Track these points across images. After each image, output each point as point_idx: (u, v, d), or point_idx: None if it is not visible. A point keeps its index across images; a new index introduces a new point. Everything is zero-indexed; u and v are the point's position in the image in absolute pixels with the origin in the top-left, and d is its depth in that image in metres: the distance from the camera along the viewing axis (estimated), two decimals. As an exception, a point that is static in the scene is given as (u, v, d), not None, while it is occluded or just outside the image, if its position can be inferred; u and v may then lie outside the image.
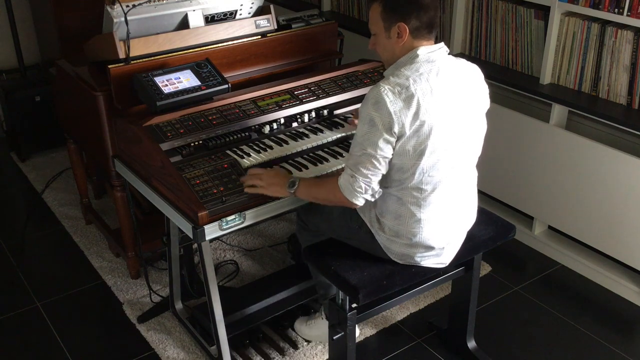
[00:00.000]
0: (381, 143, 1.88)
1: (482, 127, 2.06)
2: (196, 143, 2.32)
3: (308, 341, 2.63)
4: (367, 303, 2.09)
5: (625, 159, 2.76)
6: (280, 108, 2.55)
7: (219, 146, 2.34)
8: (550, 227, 3.27)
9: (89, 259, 3.18)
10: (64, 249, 3.28)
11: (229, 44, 2.72)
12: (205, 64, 2.53)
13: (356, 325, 2.26)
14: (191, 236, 2.08)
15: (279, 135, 2.47)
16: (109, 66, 2.45)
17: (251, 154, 2.33)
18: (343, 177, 1.97)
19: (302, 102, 2.60)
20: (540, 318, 2.83)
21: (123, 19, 2.44)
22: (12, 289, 3.00)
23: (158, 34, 2.60)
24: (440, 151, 1.93)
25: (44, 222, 3.50)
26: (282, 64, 2.89)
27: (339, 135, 2.50)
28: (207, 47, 2.67)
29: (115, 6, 2.44)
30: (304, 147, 2.41)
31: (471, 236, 2.22)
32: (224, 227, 2.07)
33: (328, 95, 2.67)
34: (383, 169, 1.93)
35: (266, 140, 2.43)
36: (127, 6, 2.45)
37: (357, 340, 2.56)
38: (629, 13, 2.64)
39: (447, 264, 2.16)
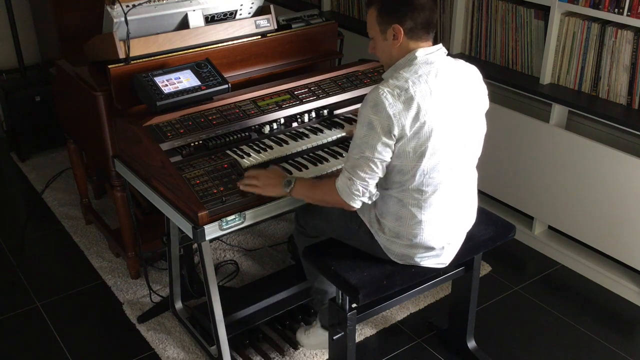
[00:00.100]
0: (379, 146, 1.88)
1: (481, 127, 2.06)
2: (196, 143, 2.32)
3: (296, 348, 2.60)
4: (367, 303, 2.09)
5: (625, 159, 2.76)
6: (280, 108, 2.55)
7: (219, 146, 2.34)
8: (550, 227, 3.27)
9: (89, 259, 3.18)
10: (64, 249, 3.28)
11: (229, 44, 2.72)
12: (205, 64, 2.53)
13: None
14: (191, 236, 2.08)
15: (279, 135, 2.47)
16: (109, 66, 2.45)
17: (251, 154, 2.33)
18: (340, 180, 1.97)
19: (302, 102, 2.60)
20: (540, 318, 2.83)
21: (123, 19, 2.44)
22: (12, 289, 3.00)
23: (158, 34, 2.60)
24: (440, 153, 1.93)
25: (44, 222, 3.50)
26: (282, 64, 2.88)
27: (339, 135, 2.50)
28: (207, 47, 2.67)
29: (115, 6, 2.44)
30: (304, 147, 2.41)
31: (471, 236, 2.22)
32: (224, 227, 2.07)
33: (328, 95, 2.67)
34: (381, 172, 1.93)
35: (266, 140, 2.43)
36: (127, 6, 2.45)
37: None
38: (629, 13, 2.64)
39: (447, 264, 2.16)
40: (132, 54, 2.51)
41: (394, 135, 1.87)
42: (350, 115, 2.63)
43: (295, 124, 2.54)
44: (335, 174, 2.26)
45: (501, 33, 3.21)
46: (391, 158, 1.91)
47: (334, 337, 2.18)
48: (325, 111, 2.61)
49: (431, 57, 1.94)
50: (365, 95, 1.96)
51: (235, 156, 2.29)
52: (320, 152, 2.42)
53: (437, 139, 1.90)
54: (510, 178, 3.27)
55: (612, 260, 3.01)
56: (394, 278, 2.09)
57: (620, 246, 2.89)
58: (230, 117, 2.45)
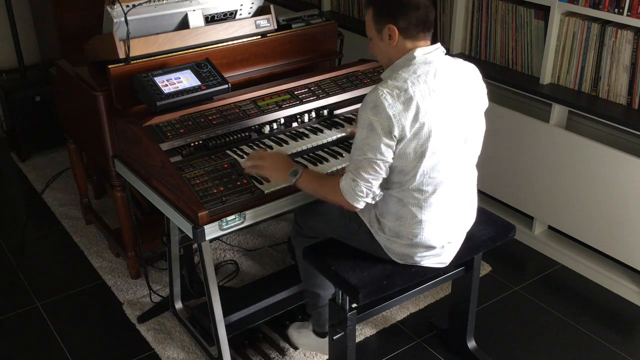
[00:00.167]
0: (381, 147, 1.88)
1: (481, 126, 2.06)
2: (196, 143, 2.32)
3: (296, 348, 2.60)
4: (367, 303, 2.09)
5: (625, 159, 2.76)
6: (280, 108, 2.55)
7: (219, 146, 2.34)
8: (550, 227, 3.27)
9: (89, 259, 3.18)
10: (64, 249, 3.28)
11: (229, 44, 2.72)
12: (205, 64, 2.53)
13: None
14: (191, 236, 2.08)
15: (279, 135, 2.47)
16: (109, 66, 2.45)
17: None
18: (344, 181, 1.97)
19: (302, 102, 2.60)
20: (540, 318, 2.83)
21: (123, 19, 2.44)
22: (12, 289, 3.00)
23: (158, 34, 2.60)
24: (440, 152, 1.93)
25: (44, 222, 3.50)
26: (282, 64, 2.88)
27: (339, 135, 2.50)
28: (207, 47, 2.67)
29: (115, 6, 2.44)
30: (304, 147, 2.41)
31: (471, 236, 2.22)
32: (224, 227, 2.07)
33: (328, 95, 2.67)
34: (384, 172, 1.93)
35: (266, 140, 2.43)
36: (127, 6, 2.45)
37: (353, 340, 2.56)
38: (629, 13, 2.64)
39: (447, 264, 2.16)
40: (132, 54, 2.51)
41: (395, 136, 1.87)
42: (350, 115, 2.63)
43: (295, 124, 2.54)
44: (338, 173, 2.26)
45: (501, 33, 3.21)
46: (392, 159, 1.91)
47: (334, 337, 2.18)
48: (325, 111, 2.61)
49: (429, 56, 1.94)
50: (365, 95, 1.95)
51: (235, 156, 2.29)
52: (320, 152, 2.42)
53: (436, 139, 1.90)
54: (510, 178, 3.27)
55: (612, 260, 3.01)
56: (394, 278, 2.09)
57: (620, 246, 2.89)
58: (230, 117, 2.45)
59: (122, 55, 2.50)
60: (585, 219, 2.98)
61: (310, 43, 2.96)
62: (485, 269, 3.10)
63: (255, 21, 2.81)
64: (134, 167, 2.41)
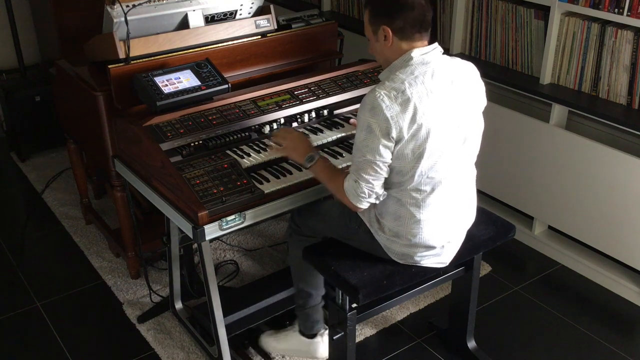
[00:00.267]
0: (379, 149, 1.88)
1: (479, 125, 2.06)
2: (196, 143, 2.32)
3: (283, 356, 2.58)
4: (367, 303, 2.09)
5: (625, 159, 2.76)
6: (280, 108, 2.55)
7: (219, 146, 2.34)
8: (550, 227, 3.27)
9: (89, 259, 3.18)
10: (64, 249, 3.28)
11: (229, 44, 2.72)
12: (205, 64, 2.53)
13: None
14: (191, 236, 2.08)
15: (279, 135, 2.47)
16: (109, 66, 2.45)
17: (251, 154, 2.33)
18: (347, 182, 1.98)
19: (302, 102, 2.60)
20: (540, 318, 2.83)
21: (123, 19, 2.44)
22: (12, 289, 3.00)
23: (158, 34, 2.60)
24: (438, 153, 1.93)
25: (44, 222, 3.50)
26: (282, 64, 2.88)
27: (339, 135, 2.50)
28: (207, 47, 2.67)
29: (115, 6, 2.44)
30: (304, 147, 2.41)
31: (471, 236, 2.22)
32: (224, 227, 2.07)
33: (328, 95, 2.67)
34: (384, 173, 1.94)
35: (266, 140, 2.42)
36: (127, 6, 2.45)
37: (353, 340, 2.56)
38: (629, 13, 2.64)
39: (447, 264, 2.16)
40: (132, 54, 2.51)
41: (392, 138, 1.87)
42: (350, 115, 2.62)
43: (295, 124, 2.54)
44: (345, 169, 2.25)
45: (501, 33, 3.21)
46: (391, 159, 1.92)
47: (334, 337, 2.18)
48: (325, 111, 2.61)
49: (427, 57, 1.94)
50: (364, 95, 1.95)
51: (235, 156, 2.29)
52: (320, 152, 2.42)
53: (434, 139, 1.90)
54: (510, 178, 3.27)
55: (612, 260, 3.01)
56: (394, 278, 2.09)
57: (620, 246, 2.89)
58: (230, 117, 2.45)
59: (122, 55, 2.50)
60: (585, 219, 2.98)
61: (310, 43, 2.96)
62: (485, 269, 3.10)
63: (255, 21, 2.81)
64: (134, 167, 2.41)
